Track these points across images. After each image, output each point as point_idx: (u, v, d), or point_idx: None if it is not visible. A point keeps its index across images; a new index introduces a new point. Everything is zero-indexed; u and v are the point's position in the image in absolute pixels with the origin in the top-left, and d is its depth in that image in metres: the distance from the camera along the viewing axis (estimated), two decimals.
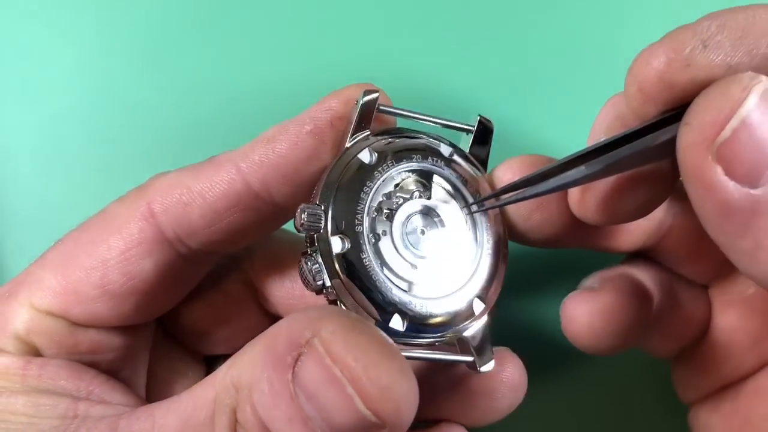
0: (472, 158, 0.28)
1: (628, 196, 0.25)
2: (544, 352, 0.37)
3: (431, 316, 0.25)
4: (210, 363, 0.33)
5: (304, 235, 0.25)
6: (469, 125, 0.28)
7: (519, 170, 0.27)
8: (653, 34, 0.22)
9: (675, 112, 0.22)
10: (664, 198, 0.26)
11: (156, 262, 0.27)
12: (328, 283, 0.24)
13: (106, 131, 0.38)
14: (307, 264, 0.25)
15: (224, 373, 0.22)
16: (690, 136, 0.20)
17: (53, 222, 0.38)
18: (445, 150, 0.27)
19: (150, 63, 0.39)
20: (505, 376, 0.28)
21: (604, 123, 0.25)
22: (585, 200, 0.25)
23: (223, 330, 0.31)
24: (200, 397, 0.23)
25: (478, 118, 0.28)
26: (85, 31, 0.39)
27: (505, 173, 0.28)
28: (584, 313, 0.27)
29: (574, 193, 0.26)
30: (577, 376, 0.39)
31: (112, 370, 0.28)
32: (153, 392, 0.30)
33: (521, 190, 0.25)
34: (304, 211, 0.24)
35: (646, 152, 0.22)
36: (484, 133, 0.28)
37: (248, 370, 0.21)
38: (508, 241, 0.27)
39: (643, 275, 0.30)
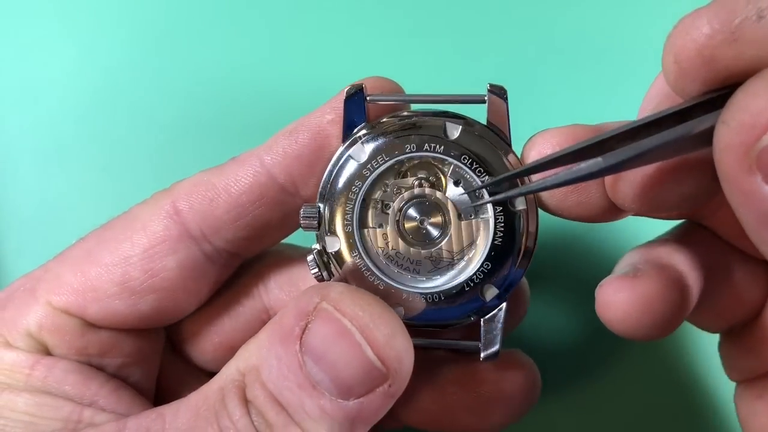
0: (492, 131, 0.26)
1: (669, 188, 0.22)
2: (561, 352, 0.37)
3: (432, 304, 0.25)
4: None
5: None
6: (480, 96, 0.27)
7: (560, 144, 0.24)
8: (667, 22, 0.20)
9: (723, 92, 0.19)
10: (719, 189, 0.22)
11: (179, 260, 0.27)
12: (328, 279, 0.26)
13: (106, 131, 0.38)
14: (311, 261, 0.26)
15: (229, 365, 0.23)
16: (726, 137, 0.17)
17: (53, 222, 0.38)
18: (451, 131, 0.26)
19: (150, 63, 0.39)
20: (517, 379, 0.28)
21: (654, 99, 0.23)
22: (619, 189, 0.23)
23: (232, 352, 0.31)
24: (208, 391, 0.23)
25: (488, 86, 0.26)
26: (85, 31, 0.39)
27: (544, 146, 0.25)
28: (620, 301, 0.25)
29: (609, 179, 0.24)
30: (592, 376, 0.38)
31: (120, 375, 0.28)
32: (161, 403, 0.30)
33: (530, 185, 0.23)
34: (303, 211, 0.26)
35: (683, 141, 0.19)
36: (497, 103, 0.26)
37: (254, 353, 0.23)
38: (536, 221, 0.26)
39: (690, 253, 0.26)
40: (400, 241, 0.26)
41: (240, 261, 0.30)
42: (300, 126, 0.27)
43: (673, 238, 0.28)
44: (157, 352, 0.29)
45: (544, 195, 0.25)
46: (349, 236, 0.26)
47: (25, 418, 0.24)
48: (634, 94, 0.26)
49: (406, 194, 0.26)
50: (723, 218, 0.27)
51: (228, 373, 0.23)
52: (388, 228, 0.26)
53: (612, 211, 0.25)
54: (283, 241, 0.30)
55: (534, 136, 0.25)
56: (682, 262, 0.26)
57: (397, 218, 0.26)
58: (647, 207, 0.23)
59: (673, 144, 0.19)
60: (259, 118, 0.38)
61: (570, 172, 0.21)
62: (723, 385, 0.36)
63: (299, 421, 0.22)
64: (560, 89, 0.38)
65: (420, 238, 0.26)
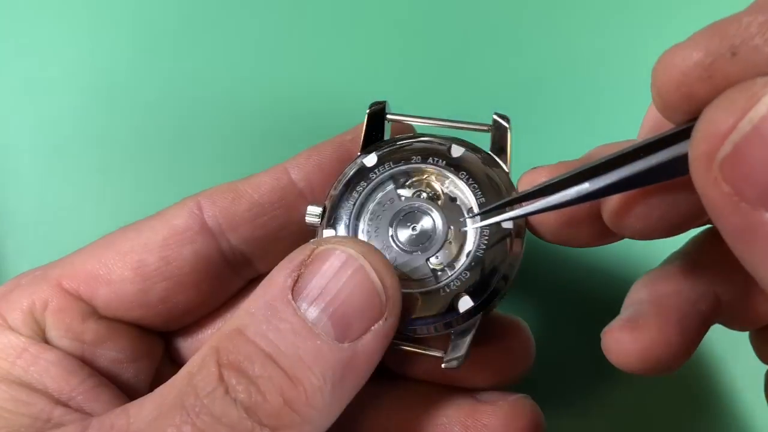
0: (493, 157, 0.28)
1: (658, 210, 0.22)
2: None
3: (407, 306, 0.25)
4: None
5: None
6: (485, 125, 0.29)
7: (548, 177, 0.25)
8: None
9: None
10: None
11: (195, 251, 0.28)
12: None
13: (106, 131, 0.38)
14: None
15: (199, 351, 0.23)
16: (692, 149, 0.18)
17: (53, 222, 0.38)
18: (455, 151, 0.27)
19: (150, 63, 0.39)
20: (523, 427, 0.28)
21: (650, 122, 0.23)
22: (605, 213, 0.23)
23: None
24: (176, 377, 0.22)
25: (494, 115, 0.28)
26: (85, 31, 0.39)
27: (538, 177, 0.25)
28: (625, 349, 0.25)
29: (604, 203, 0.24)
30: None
31: (111, 371, 0.28)
32: None
33: (517, 209, 0.24)
34: (309, 208, 0.27)
35: (670, 165, 0.19)
36: (500, 131, 0.28)
37: (230, 326, 0.22)
38: (521, 244, 0.27)
39: (705, 271, 0.26)
40: (390, 243, 0.27)
41: (252, 274, 0.30)
42: (324, 142, 0.29)
43: (688, 255, 0.27)
44: (154, 355, 0.29)
45: (539, 229, 0.26)
46: (345, 228, 0.27)
47: None
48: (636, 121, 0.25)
49: (403, 201, 0.27)
50: None
51: (198, 355, 0.22)
52: (381, 230, 0.27)
53: (609, 236, 0.25)
54: None
55: (523, 175, 0.26)
56: (691, 290, 0.26)
57: (391, 222, 0.27)
58: (638, 231, 0.23)
59: (661, 168, 0.20)
60: (259, 119, 0.38)
61: (558, 197, 0.22)
62: (733, 397, 0.36)
63: (290, 368, 0.21)
64: (569, 118, 0.38)
65: (408, 244, 0.27)
